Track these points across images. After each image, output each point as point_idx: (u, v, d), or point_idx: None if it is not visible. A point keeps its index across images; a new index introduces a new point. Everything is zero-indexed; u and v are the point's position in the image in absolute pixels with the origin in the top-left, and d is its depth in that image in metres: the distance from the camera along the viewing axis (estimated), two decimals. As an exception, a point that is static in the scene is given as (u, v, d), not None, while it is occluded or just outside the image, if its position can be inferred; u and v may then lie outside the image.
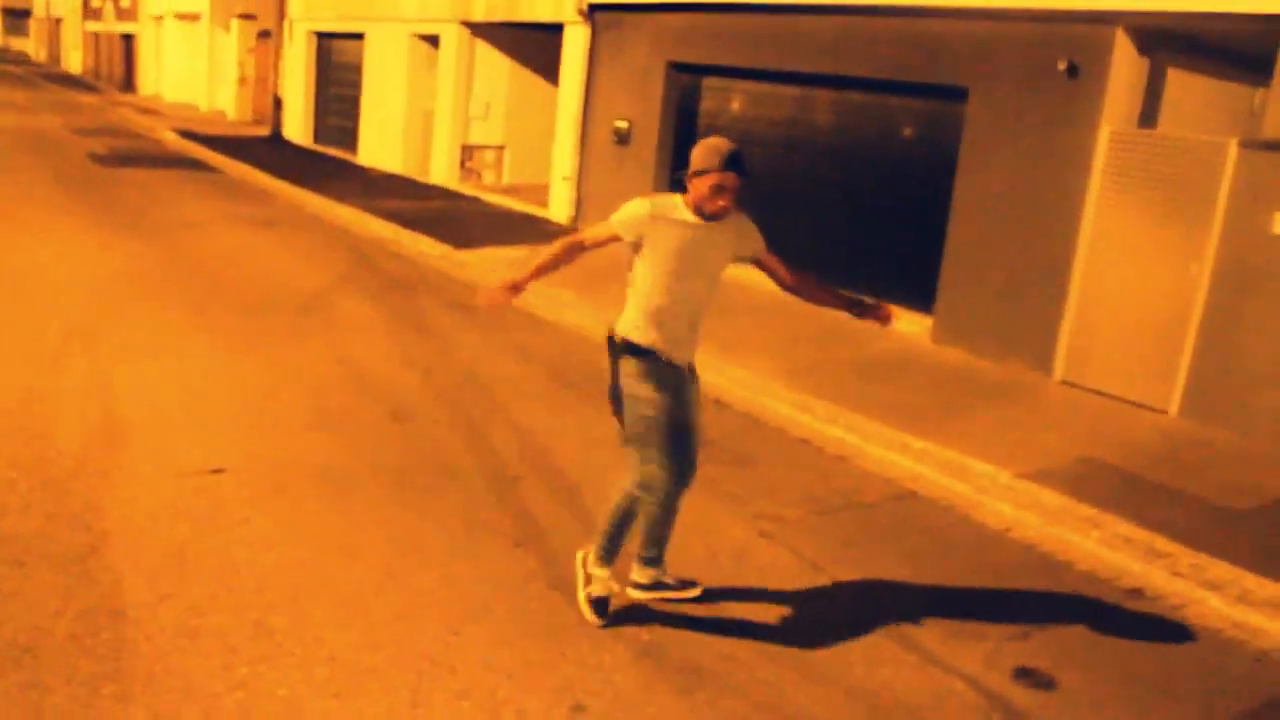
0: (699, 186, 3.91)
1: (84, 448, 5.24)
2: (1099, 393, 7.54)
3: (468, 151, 15.76)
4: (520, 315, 8.76)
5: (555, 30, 13.04)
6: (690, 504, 4.22)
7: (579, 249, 4.15)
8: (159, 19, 27.70)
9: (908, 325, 8.91)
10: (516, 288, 4.09)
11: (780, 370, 7.46)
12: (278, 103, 20.51)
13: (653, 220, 3.94)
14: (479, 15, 14.56)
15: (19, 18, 45.40)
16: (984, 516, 5.52)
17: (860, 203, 9.61)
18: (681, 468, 3.99)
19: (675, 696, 3.61)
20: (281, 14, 20.08)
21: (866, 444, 6.35)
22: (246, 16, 22.68)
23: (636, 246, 3.98)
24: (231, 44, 23.33)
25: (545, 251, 4.17)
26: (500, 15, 14.14)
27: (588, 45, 12.26)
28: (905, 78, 8.88)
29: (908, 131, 9.13)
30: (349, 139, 18.32)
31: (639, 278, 4.00)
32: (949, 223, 8.50)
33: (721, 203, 3.91)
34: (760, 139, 10.56)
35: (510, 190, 15.11)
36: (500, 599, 4.13)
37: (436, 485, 5.20)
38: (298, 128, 20.12)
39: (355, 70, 17.92)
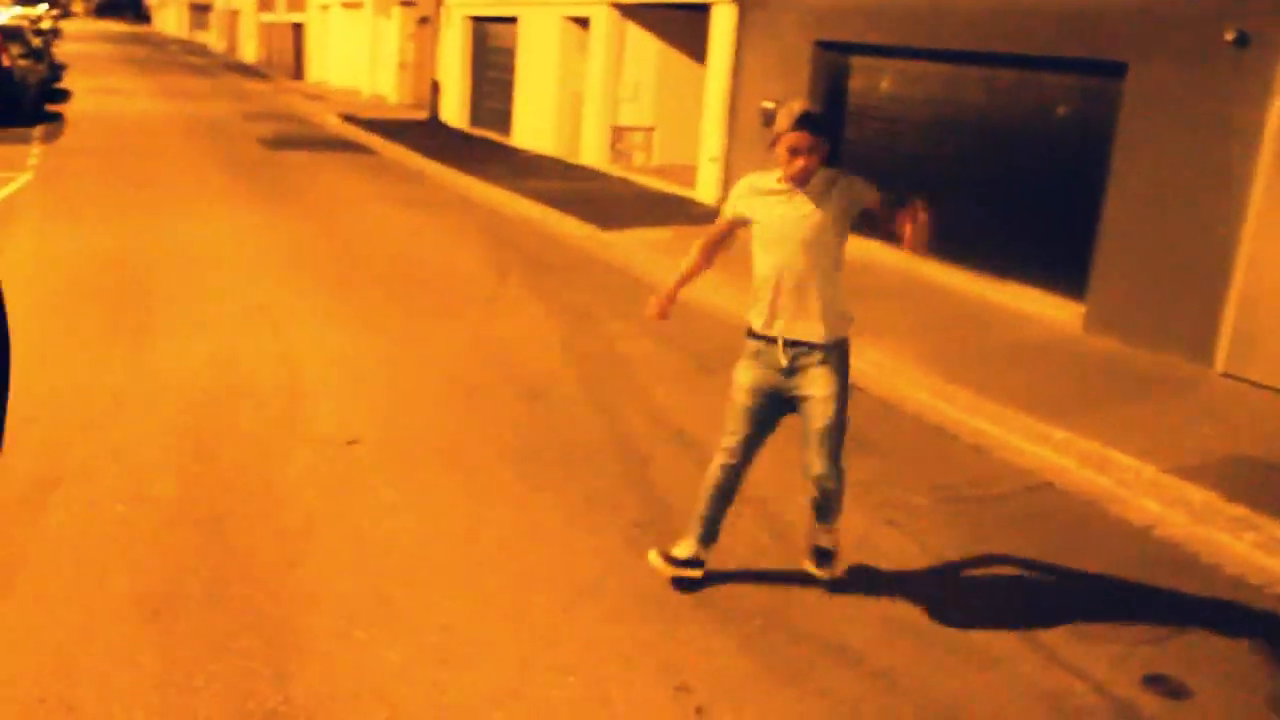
0: (779, 151, 3.85)
1: (231, 413, 5.54)
2: (1263, 386, 7.06)
3: (617, 133, 15.87)
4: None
5: (704, 10, 12.98)
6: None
7: (713, 247, 4.21)
8: (325, 8, 28.82)
9: (1057, 312, 8.57)
10: (671, 298, 4.26)
11: (919, 355, 7.27)
12: (435, 87, 21.09)
13: (751, 195, 3.96)
14: (627, -5, 14.64)
15: (202, 11, 48.02)
16: (1125, 512, 5.25)
17: (1010, 184, 9.25)
18: (730, 444, 4.06)
19: (782, 684, 3.58)
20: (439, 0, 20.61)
21: (1004, 433, 6.13)
22: (407, 3, 23.35)
23: (754, 221, 3.96)
24: (393, 30, 24.08)
25: (685, 261, 4.27)
26: (648, -5, 14.19)
27: (735, 25, 12.17)
28: (1059, 53, 8.49)
29: (1061, 109, 8.73)
30: (503, 121, 18.69)
31: (753, 255, 3.99)
32: (1104, 205, 8.10)
33: (800, 163, 3.79)
34: (909, 119, 10.30)
35: (660, 172, 15.14)
36: (614, 577, 4.18)
37: (564, 463, 5.28)
38: (454, 111, 20.64)
39: (509, 54, 18.25)
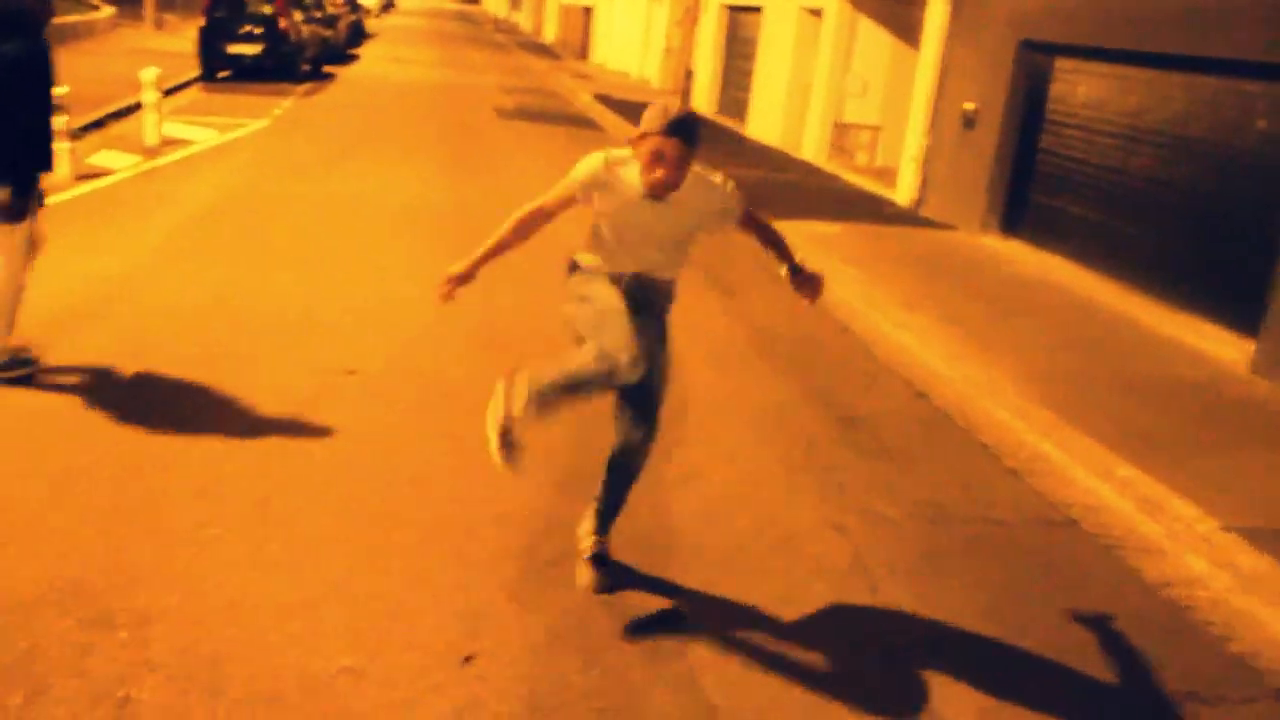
0: (640, 151, 3.50)
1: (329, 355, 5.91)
2: None
3: (840, 130, 15.48)
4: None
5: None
6: (786, 484, 4.43)
7: (540, 218, 3.82)
8: (613, -8, 29.83)
9: (1223, 348, 7.64)
10: (463, 277, 3.88)
11: (1023, 375, 6.70)
12: (688, 74, 21.32)
13: (607, 184, 3.63)
14: (857, -13, 14.23)
15: (519, -8, 50.88)
16: (1149, 565, 4.65)
17: (1195, 202, 8.32)
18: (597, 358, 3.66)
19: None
20: (701, -13, 20.82)
21: (1064, 462, 5.55)
22: (677, -10, 23.75)
23: (599, 212, 3.73)
24: (662, 16, 24.56)
25: (496, 235, 3.86)
26: (874, -12, 13.73)
27: (946, 20, 11.57)
28: (1271, 58, 7.51)
29: (1262, 124, 7.73)
30: (742, 110, 18.67)
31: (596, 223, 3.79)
32: (1290, 234, 7.14)
33: (660, 174, 3.47)
34: (1105, 129, 9.45)
35: (878, 173, 14.64)
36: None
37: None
38: (704, 98, 20.81)
39: (752, 44, 18.20)
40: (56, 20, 20.92)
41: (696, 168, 3.61)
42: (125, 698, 3.17)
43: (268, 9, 18.19)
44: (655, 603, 3.93)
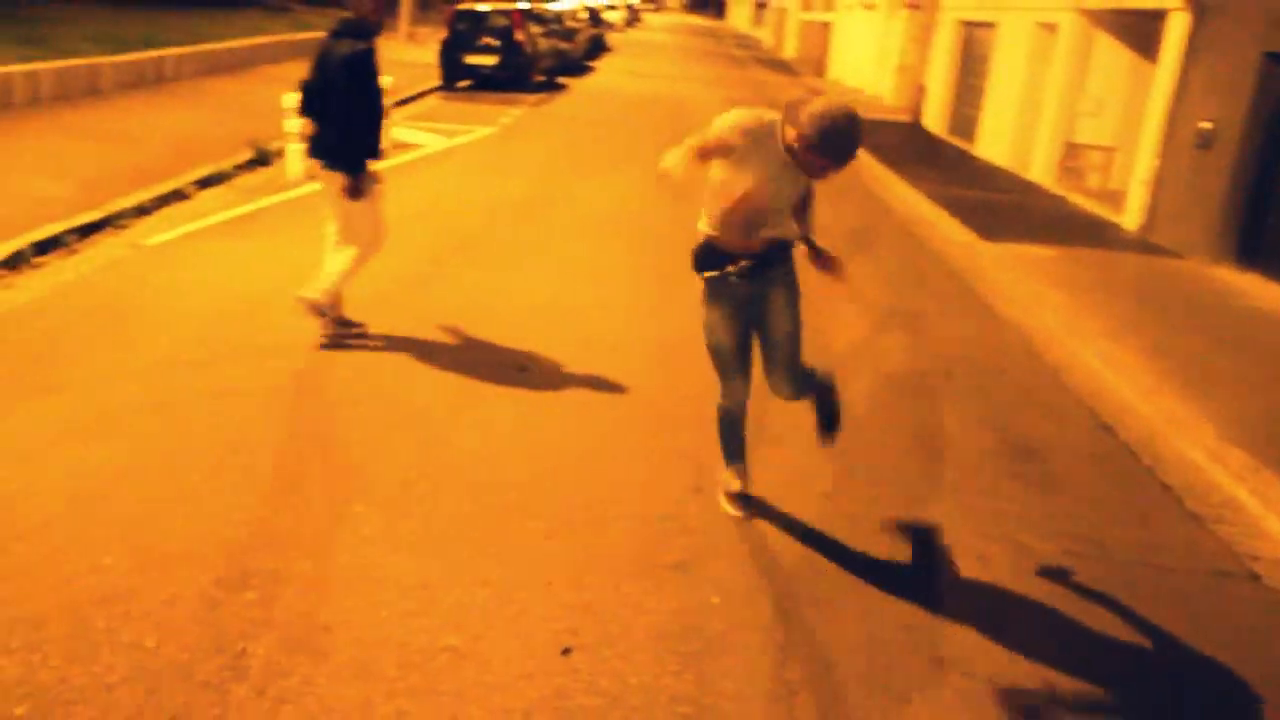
0: (799, 149, 3.83)
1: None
2: None
3: (1071, 150, 14.69)
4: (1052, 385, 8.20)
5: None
6: (937, 507, 4.48)
7: (703, 153, 3.94)
8: (850, 8, 29.42)
9: None
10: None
11: (1230, 416, 6.17)
12: (921, 90, 20.78)
13: (754, 143, 3.96)
14: (1093, 1, 13.45)
15: (763, 9, 50.98)
16: (1334, 631, 4.18)
17: None
18: (722, 389, 4.51)
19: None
20: (937, 3, 20.25)
21: (1256, 512, 5.09)
22: (913, 6, 23.19)
23: (739, 160, 3.97)
24: (897, 32, 24.06)
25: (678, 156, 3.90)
26: (1111, 1, 12.93)
27: (1187, 32, 10.78)
28: None
29: None
30: (972, 129, 18.04)
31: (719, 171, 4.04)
32: None
33: (810, 173, 3.94)
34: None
35: (1111, 196, 13.78)
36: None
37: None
38: (935, 115, 20.23)
39: (986, 60, 17.55)
40: (314, 35, 22.72)
41: None
42: (242, 651, 3.40)
43: (505, 22, 19.04)
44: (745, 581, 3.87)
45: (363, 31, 5.98)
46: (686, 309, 7.02)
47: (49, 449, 4.67)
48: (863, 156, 15.98)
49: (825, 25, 33.01)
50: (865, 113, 20.92)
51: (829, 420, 4.66)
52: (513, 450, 5.03)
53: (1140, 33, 13.67)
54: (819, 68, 32.80)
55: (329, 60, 5.93)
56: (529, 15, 20.08)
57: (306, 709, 3.18)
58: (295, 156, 10.61)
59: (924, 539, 4.54)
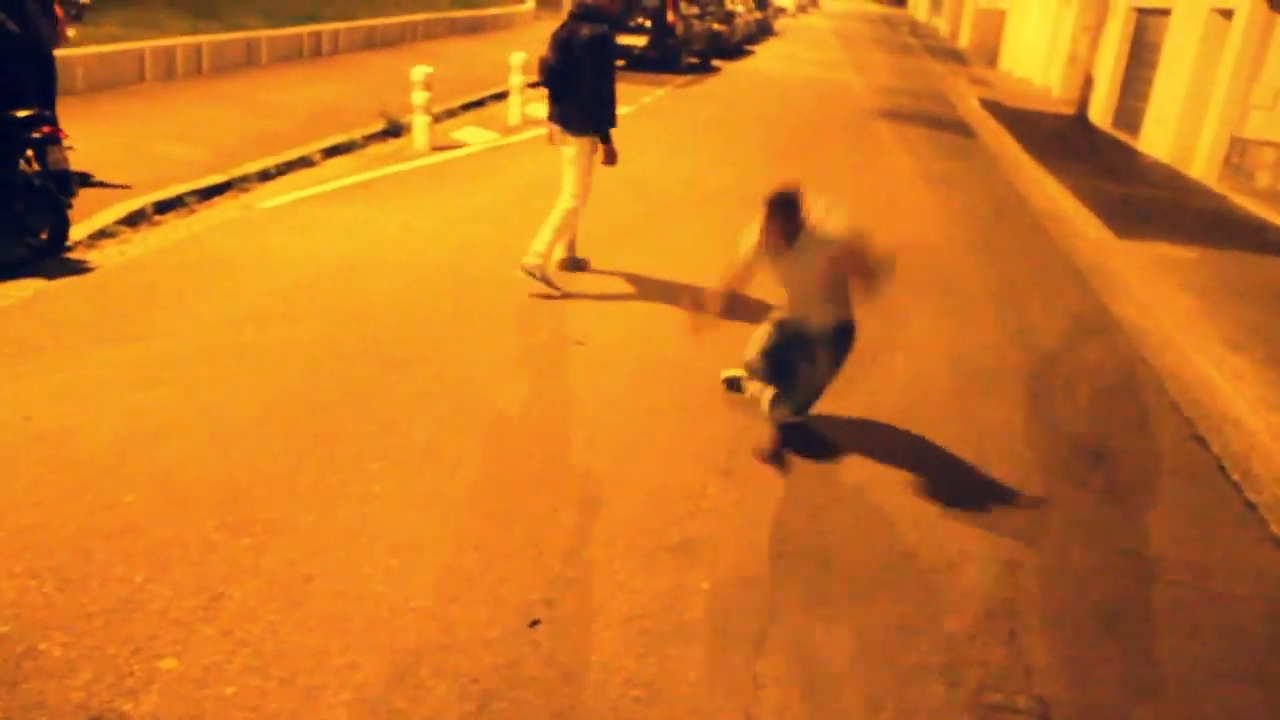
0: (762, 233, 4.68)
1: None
2: None
3: (1239, 145, 13.69)
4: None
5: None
6: (979, 509, 3.94)
7: (743, 273, 4.92)
8: (1027, -5, 28.18)
9: None
10: (715, 305, 4.93)
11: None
12: (1088, 82, 19.76)
13: (760, 248, 4.74)
14: (1273, -14, 12.46)
15: (941, -5, 49.36)
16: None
17: None
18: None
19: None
20: (1111, -13, 19.19)
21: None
22: (1089, -8, 22.04)
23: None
24: (1069, 21, 22.90)
25: (726, 277, 4.98)
26: (1290, -15, 11.94)
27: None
28: None
29: None
30: (1137, 122, 17.04)
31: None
32: None
33: (770, 240, 4.65)
34: None
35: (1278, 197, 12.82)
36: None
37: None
38: (1101, 108, 19.20)
39: (1157, 49, 16.52)
40: (482, 12, 23.26)
41: (814, 226, 4.61)
42: (220, 594, 3.50)
43: (656, 2, 19.00)
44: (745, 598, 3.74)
45: (602, 16, 6.81)
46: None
47: (111, 392, 4.91)
48: (1011, 149, 15.32)
49: (1000, 13, 31.71)
50: (1026, 104, 20.12)
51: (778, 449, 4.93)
52: (552, 419, 5.02)
53: (1323, 21, 12.62)
54: (991, 58, 31.56)
55: (572, 41, 6.74)
56: (685, -6, 20.00)
57: (262, 652, 3.24)
58: (421, 128, 10.89)
59: (952, 541, 4.30)
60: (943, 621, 3.74)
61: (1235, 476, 5.24)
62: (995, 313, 7.39)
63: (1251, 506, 4.95)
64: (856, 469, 4.82)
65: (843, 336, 4.85)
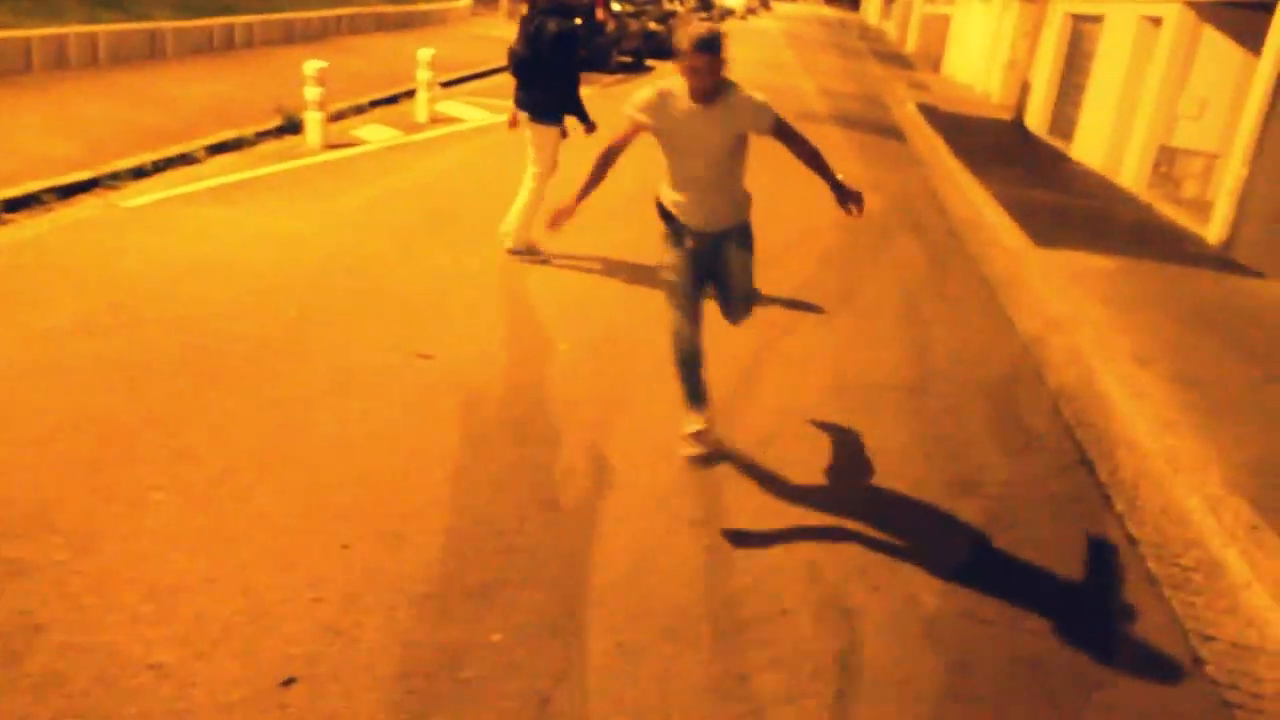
0: (681, 69, 4.23)
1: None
2: None
3: (1166, 154, 13.51)
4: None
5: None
6: (806, 550, 3.44)
7: (614, 152, 4.64)
8: (969, 1, 28.06)
9: None
10: (570, 212, 4.72)
11: (1248, 461, 5.34)
12: (1024, 88, 19.60)
13: (660, 107, 4.33)
14: (1198, -9, 12.28)
15: (892, 1, 49.38)
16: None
17: None
18: (681, 320, 4.49)
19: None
20: (1048, -7, 19.03)
21: (1240, 578, 4.28)
22: (1028, -1, 21.92)
23: (657, 130, 4.39)
24: (1009, 26, 22.78)
25: (586, 174, 4.70)
26: (1215, -10, 11.76)
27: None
28: None
29: None
30: (1071, 129, 16.86)
31: (665, 157, 4.51)
32: None
33: (696, 83, 4.21)
34: None
35: (1205, 207, 12.61)
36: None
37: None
38: (1037, 114, 19.04)
39: (1090, 56, 16.35)
40: (414, 8, 22.69)
41: (740, 88, 4.30)
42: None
43: (587, 1, 18.57)
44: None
45: (568, 11, 7.42)
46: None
47: (-120, 410, 4.41)
48: (940, 154, 15.05)
49: (945, 18, 31.65)
50: (963, 109, 19.82)
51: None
52: (372, 443, 4.57)
53: (1252, 28, 12.43)
54: (936, 63, 31.49)
55: (540, 34, 7.28)
56: (610, -4, 19.61)
57: (-52, 725, 2.79)
58: (314, 124, 10.39)
59: (788, 585, 3.91)
60: (761, 681, 3.34)
61: (1119, 507, 4.91)
62: (889, 327, 7.04)
63: (1132, 542, 4.61)
64: (697, 501, 4.42)
65: (746, 235, 4.64)
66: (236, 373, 5.12)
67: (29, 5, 13.63)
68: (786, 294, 7.39)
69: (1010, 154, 15.92)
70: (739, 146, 4.42)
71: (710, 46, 4.13)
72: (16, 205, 7.58)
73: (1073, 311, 7.75)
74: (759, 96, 4.33)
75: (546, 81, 7.34)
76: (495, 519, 4.06)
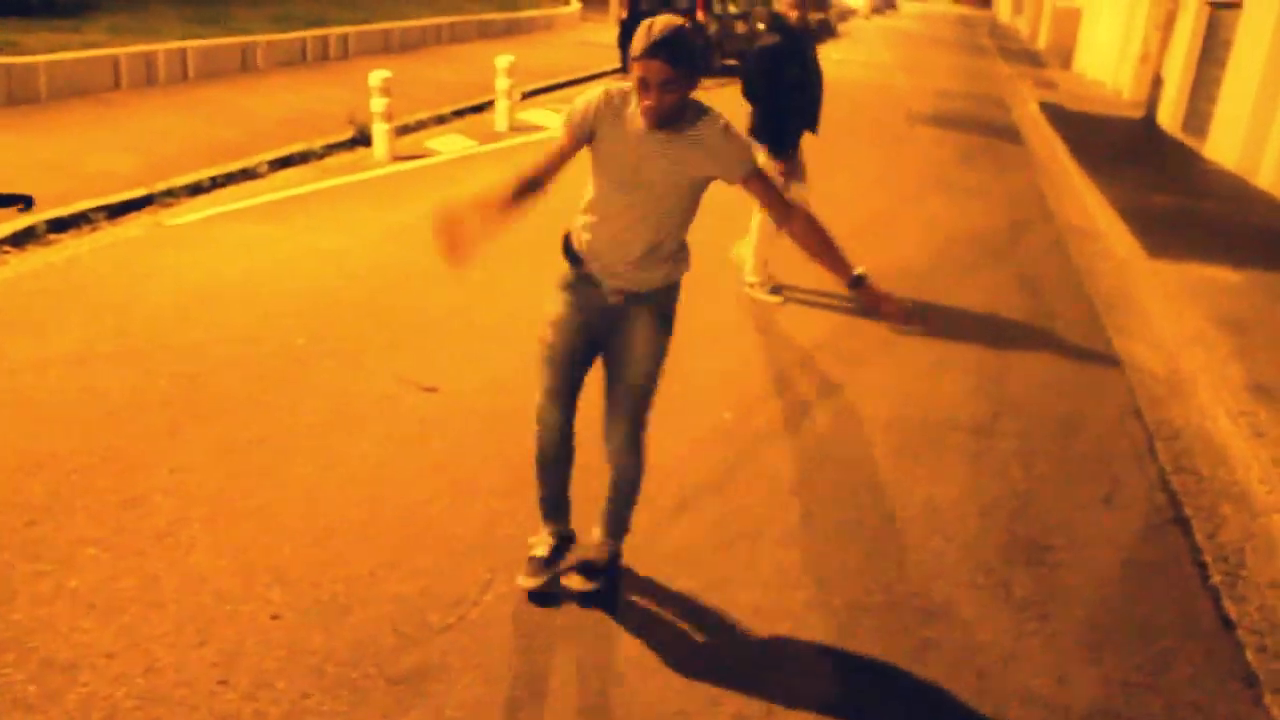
0: (632, 78, 3.01)
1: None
2: None
3: (1314, 153, 12.23)
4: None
5: None
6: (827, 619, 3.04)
7: (527, 185, 3.19)
8: (1103, -8, 26.49)
9: None
10: (453, 223, 3.12)
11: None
12: (1157, 83, 18.25)
13: (608, 113, 3.11)
14: (1344, -28, 11.02)
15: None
16: None
17: None
18: (546, 397, 3.41)
19: None
20: (1182, -19, 17.66)
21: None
22: (1163, -14, 20.46)
23: (593, 142, 3.16)
24: (1141, 17, 21.32)
25: (501, 179, 3.22)
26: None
27: None
28: None
29: None
30: (1206, 126, 15.55)
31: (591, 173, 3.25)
32: None
33: (649, 101, 2.96)
34: None
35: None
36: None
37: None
38: (1170, 111, 17.68)
39: (1229, 46, 15.03)
40: (518, 15, 22.53)
41: (715, 116, 3.10)
42: None
43: (686, 2, 18.06)
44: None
45: (781, 27, 6.73)
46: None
47: None
48: (1057, 155, 14.01)
49: (1076, 12, 30.04)
50: (1090, 108, 18.62)
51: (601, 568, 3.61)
52: (344, 491, 4.13)
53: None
54: (1067, 59, 29.92)
55: (750, 51, 6.89)
56: (711, -3, 19.01)
57: None
58: (381, 136, 10.13)
59: (768, 687, 3.30)
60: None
61: (1216, 579, 4.12)
62: (966, 353, 6.29)
63: (1228, 625, 3.83)
64: (695, 569, 3.84)
65: (668, 303, 3.34)
66: (221, 407, 4.76)
67: (127, 22, 13.83)
68: (850, 312, 6.72)
69: (1136, 154, 14.75)
70: (694, 192, 3.19)
71: (667, 50, 2.88)
72: (64, 225, 7.46)
73: (1184, 334, 6.86)
74: (736, 131, 3.13)
75: (756, 102, 6.75)
76: (454, 586, 3.56)
